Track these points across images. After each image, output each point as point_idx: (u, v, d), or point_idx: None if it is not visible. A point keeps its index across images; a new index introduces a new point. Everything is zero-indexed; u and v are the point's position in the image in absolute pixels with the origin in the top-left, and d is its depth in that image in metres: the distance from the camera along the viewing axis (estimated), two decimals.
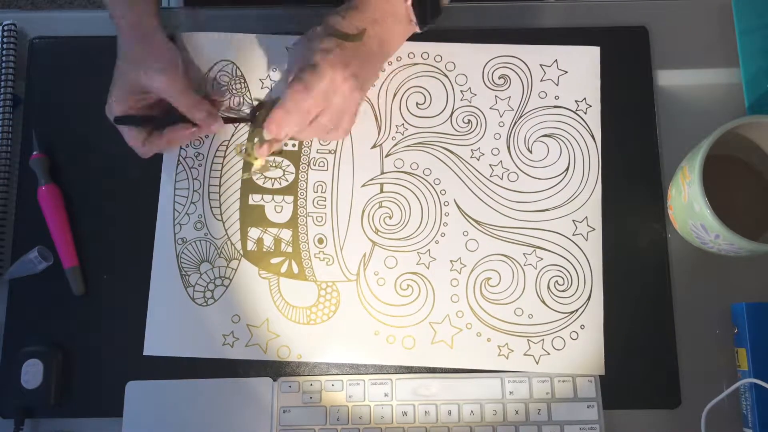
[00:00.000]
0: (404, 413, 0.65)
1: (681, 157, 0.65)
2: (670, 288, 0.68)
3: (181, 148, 0.71)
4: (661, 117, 0.72)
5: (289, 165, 0.71)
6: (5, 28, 0.74)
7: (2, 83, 0.73)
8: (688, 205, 0.61)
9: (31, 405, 0.66)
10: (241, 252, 0.69)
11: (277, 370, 0.67)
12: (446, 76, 0.73)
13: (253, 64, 0.73)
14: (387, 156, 0.71)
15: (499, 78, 0.72)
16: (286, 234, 0.69)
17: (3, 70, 0.73)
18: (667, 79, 0.73)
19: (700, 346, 0.67)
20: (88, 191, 0.71)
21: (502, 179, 0.70)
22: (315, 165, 0.71)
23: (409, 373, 0.66)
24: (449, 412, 0.65)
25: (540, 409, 0.65)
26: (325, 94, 0.62)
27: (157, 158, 0.71)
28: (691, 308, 0.68)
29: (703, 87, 0.73)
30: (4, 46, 0.74)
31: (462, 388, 0.65)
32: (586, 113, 0.71)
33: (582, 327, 0.67)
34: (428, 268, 0.68)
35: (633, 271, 0.68)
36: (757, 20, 0.72)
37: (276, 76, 0.73)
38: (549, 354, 0.66)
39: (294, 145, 0.71)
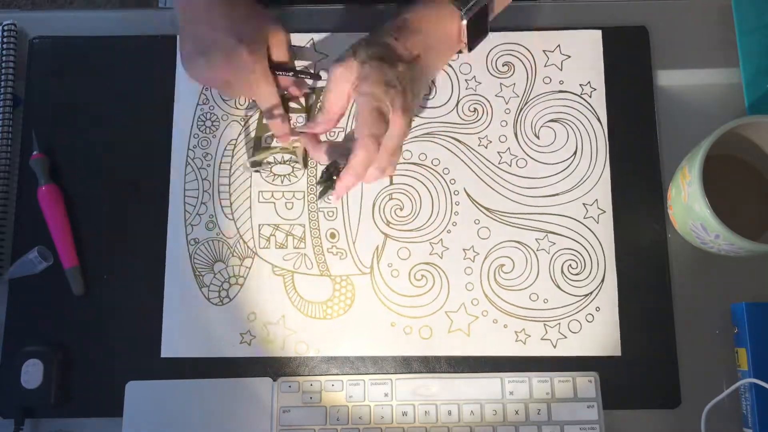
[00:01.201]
0: (404, 413, 0.65)
1: (681, 157, 0.65)
2: (670, 288, 0.68)
3: (188, 148, 0.71)
4: (661, 117, 0.72)
5: (297, 161, 0.71)
6: (5, 28, 0.74)
7: (2, 83, 0.73)
8: (688, 205, 0.61)
9: (31, 405, 0.66)
10: (254, 250, 0.69)
11: (277, 370, 0.67)
12: (450, 65, 0.73)
13: None
14: None
15: (503, 65, 0.73)
16: (298, 230, 0.69)
17: (3, 70, 0.73)
18: (667, 79, 0.73)
19: (700, 346, 0.67)
20: (88, 191, 0.71)
21: (510, 166, 0.70)
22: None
23: (409, 373, 0.66)
24: (449, 412, 0.65)
25: (540, 409, 0.65)
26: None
27: (159, 157, 0.71)
28: (691, 308, 0.68)
29: (703, 87, 0.73)
30: (4, 46, 0.74)
31: (462, 388, 0.65)
32: (591, 96, 0.72)
33: (597, 309, 0.67)
34: (441, 257, 0.69)
35: (633, 271, 0.68)
36: (757, 20, 0.72)
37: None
38: (566, 337, 0.66)
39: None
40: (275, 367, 0.67)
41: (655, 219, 0.69)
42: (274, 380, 0.66)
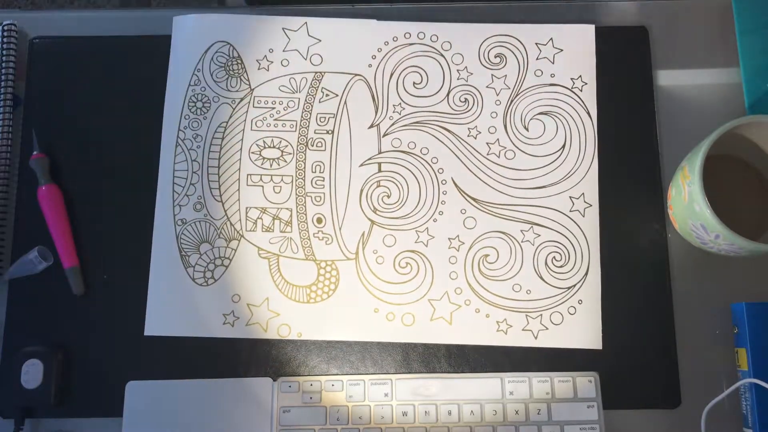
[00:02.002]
0: (404, 413, 0.65)
1: (681, 157, 0.65)
2: (670, 288, 0.68)
3: (179, 129, 0.72)
4: (661, 117, 0.72)
5: (287, 146, 0.71)
6: (5, 28, 0.74)
7: (2, 83, 0.73)
8: (688, 205, 0.61)
9: (31, 405, 0.66)
10: (241, 232, 0.69)
11: (277, 370, 0.67)
12: (442, 55, 0.73)
13: (249, 45, 0.73)
14: (384, 135, 0.71)
15: (495, 57, 0.73)
16: (285, 214, 0.70)
17: (3, 70, 0.73)
18: (667, 79, 0.73)
19: (700, 346, 0.67)
20: (88, 191, 0.71)
21: (499, 157, 0.71)
22: (313, 145, 0.71)
23: (409, 373, 0.66)
24: (449, 412, 0.65)
25: (540, 409, 0.65)
26: None
27: (158, 155, 0.71)
28: (691, 308, 0.68)
29: (703, 87, 0.73)
30: (4, 46, 0.74)
31: (462, 388, 0.65)
32: (581, 90, 0.72)
33: (580, 302, 0.67)
34: (427, 246, 0.69)
35: (633, 271, 0.68)
36: (757, 20, 0.72)
37: (272, 56, 0.73)
38: (547, 329, 0.67)
39: (292, 126, 0.71)
40: (275, 367, 0.67)
41: (655, 219, 0.69)
42: (274, 380, 0.66)
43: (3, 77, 0.73)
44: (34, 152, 0.71)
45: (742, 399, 0.65)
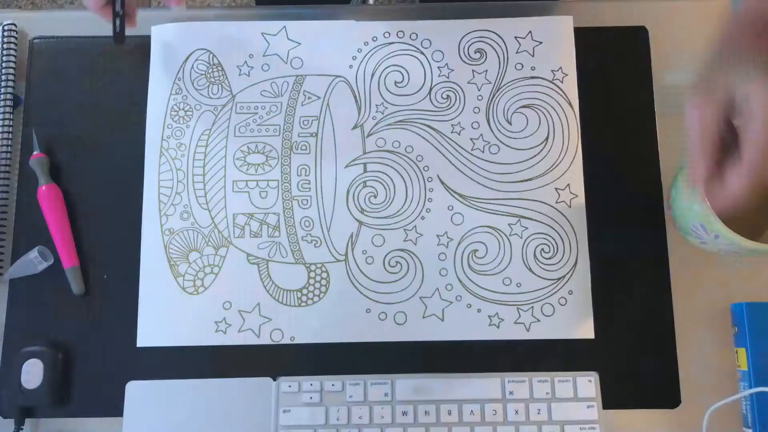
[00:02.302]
0: (404, 413, 0.65)
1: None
2: (670, 288, 0.68)
3: (162, 139, 0.71)
4: (661, 117, 0.72)
5: (271, 150, 0.71)
6: (5, 28, 0.74)
7: (2, 83, 0.73)
8: (688, 205, 0.61)
9: (31, 405, 0.66)
10: (229, 239, 0.69)
11: (277, 370, 0.67)
12: (423, 53, 0.73)
13: (230, 52, 0.73)
14: (368, 136, 0.71)
15: (475, 52, 0.73)
16: (272, 219, 0.70)
17: (3, 70, 0.73)
18: (667, 79, 0.73)
19: (700, 346, 0.67)
20: (88, 191, 0.71)
21: (483, 152, 0.71)
22: (297, 149, 0.71)
23: (409, 372, 0.66)
24: (449, 412, 0.65)
25: (540, 409, 0.65)
26: None
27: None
28: (691, 308, 0.68)
29: None
30: (4, 46, 0.74)
31: (462, 388, 0.65)
32: (562, 82, 0.72)
33: (570, 292, 0.67)
34: (415, 244, 0.69)
35: (633, 271, 0.68)
36: None
37: (253, 62, 0.73)
38: (539, 321, 0.67)
39: (276, 131, 0.71)
40: (275, 367, 0.67)
41: (655, 219, 0.69)
42: (274, 380, 0.66)
43: (3, 77, 0.73)
44: (34, 152, 0.71)
45: (742, 399, 0.65)
